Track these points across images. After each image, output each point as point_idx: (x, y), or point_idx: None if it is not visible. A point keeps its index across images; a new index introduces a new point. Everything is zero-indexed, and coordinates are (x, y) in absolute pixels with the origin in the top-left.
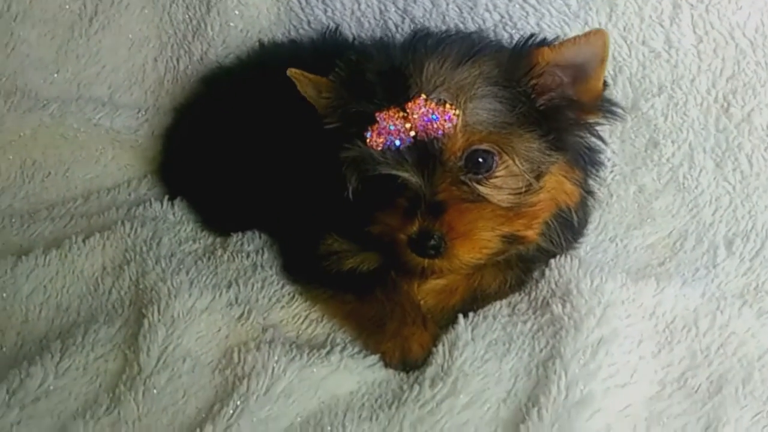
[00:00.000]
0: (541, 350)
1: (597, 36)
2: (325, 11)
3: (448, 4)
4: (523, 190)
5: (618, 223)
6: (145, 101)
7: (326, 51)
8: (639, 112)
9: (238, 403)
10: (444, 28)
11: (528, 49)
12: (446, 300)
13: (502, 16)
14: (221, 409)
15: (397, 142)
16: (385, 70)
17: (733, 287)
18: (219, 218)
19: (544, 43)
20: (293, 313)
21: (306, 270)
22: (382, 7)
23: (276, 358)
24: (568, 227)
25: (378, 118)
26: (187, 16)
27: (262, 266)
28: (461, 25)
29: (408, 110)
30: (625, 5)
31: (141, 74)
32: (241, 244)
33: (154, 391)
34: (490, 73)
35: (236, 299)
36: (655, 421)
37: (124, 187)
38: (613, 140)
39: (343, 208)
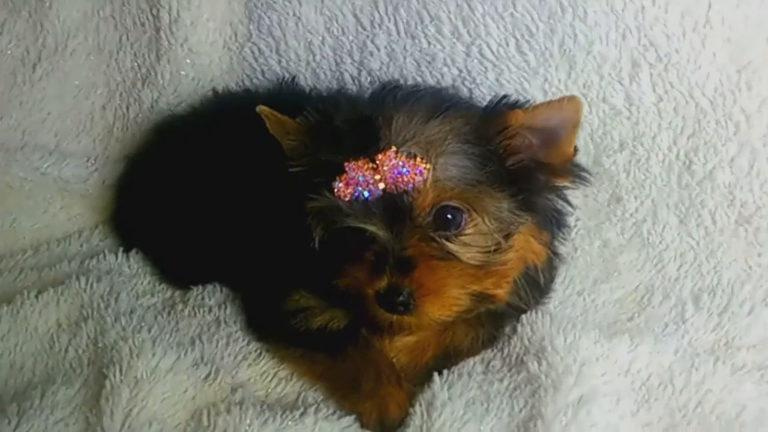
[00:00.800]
0: (520, 410)
1: (570, 102)
2: (279, 62)
3: (405, 58)
4: (492, 248)
5: (584, 277)
6: (93, 149)
7: (282, 101)
8: (601, 168)
9: None
10: (402, 81)
11: (500, 110)
12: (419, 357)
13: (461, 71)
14: None
15: (366, 194)
16: (354, 119)
17: (704, 343)
18: (177, 271)
19: (516, 104)
20: (261, 371)
21: (272, 327)
22: (338, 59)
23: (248, 421)
24: (535, 286)
25: (347, 168)
26: (135, 64)
27: (225, 321)
28: (419, 79)
29: (378, 162)
30: (584, 63)
31: (89, 122)
32: (202, 298)
33: None
34: (460, 130)
35: (202, 358)
36: None
37: (75, 237)
38: (576, 195)
39: (309, 260)
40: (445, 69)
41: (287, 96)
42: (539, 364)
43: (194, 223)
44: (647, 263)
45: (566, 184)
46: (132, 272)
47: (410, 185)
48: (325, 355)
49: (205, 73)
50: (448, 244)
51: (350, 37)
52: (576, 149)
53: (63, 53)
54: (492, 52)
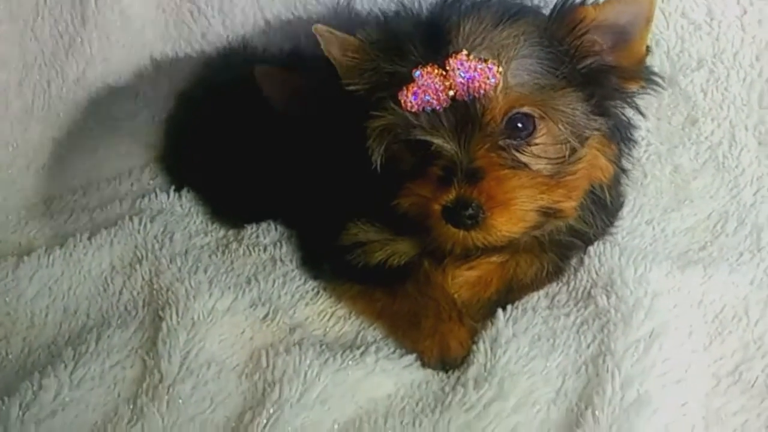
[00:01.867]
0: (588, 345)
1: None
2: (223, 21)
3: None
4: (564, 157)
5: (654, 205)
6: (11, 132)
7: None
8: (677, 88)
9: (271, 411)
10: None
11: (570, 7)
12: (481, 292)
13: None
14: (253, 419)
15: (434, 103)
16: (423, 24)
17: None
18: (231, 209)
19: (584, 3)
20: (319, 310)
21: (329, 264)
22: (290, 15)
23: (308, 361)
24: (601, 207)
25: (415, 76)
26: (56, 32)
27: (281, 260)
28: None
29: (448, 67)
30: None
31: (3, 101)
32: (257, 237)
33: (179, 400)
34: (530, 34)
35: (259, 298)
36: (713, 420)
37: (126, 176)
38: (648, 118)
39: (367, 189)
40: None
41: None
42: (608, 297)
43: (247, 159)
44: (721, 188)
45: (638, 89)
46: (184, 211)
47: (481, 91)
48: (383, 292)
49: (138, 37)
50: (518, 153)
51: None
52: (648, 49)
53: None
54: None
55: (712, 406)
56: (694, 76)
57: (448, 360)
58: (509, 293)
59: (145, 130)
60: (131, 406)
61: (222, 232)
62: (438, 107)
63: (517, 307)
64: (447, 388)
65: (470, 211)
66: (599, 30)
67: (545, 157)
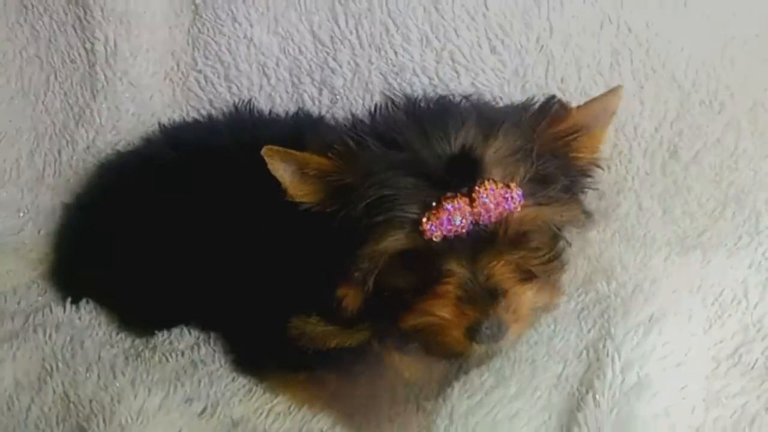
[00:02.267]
0: (588, 330)
1: (615, 92)
2: (230, 89)
3: (370, 72)
4: (554, 253)
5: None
6: (22, 199)
7: (243, 126)
8: None
9: None
10: (368, 98)
11: (559, 111)
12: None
13: (431, 79)
14: None
15: (458, 230)
16: (449, 153)
17: None
18: (139, 318)
19: (562, 103)
20: (254, 408)
21: (273, 356)
22: (296, 80)
23: None
24: None
25: (444, 205)
26: (66, 104)
27: (203, 362)
28: (387, 93)
29: (475, 195)
30: (562, 57)
31: (15, 170)
32: (170, 343)
33: None
34: (525, 144)
35: (193, 394)
36: (713, 402)
37: (11, 295)
38: None
39: (320, 292)
40: (415, 78)
41: (245, 122)
42: (608, 284)
43: (159, 264)
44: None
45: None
46: (84, 324)
47: (503, 215)
48: (335, 377)
49: (147, 106)
50: (527, 264)
51: (309, 56)
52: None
53: None
54: (464, 56)
55: (712, 388)
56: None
57: None
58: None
59: (30, 245)
60: None
61: (128, 342)
62: (461, 233)
63: None
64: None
65: (495, 328)
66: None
67: (539, 260)
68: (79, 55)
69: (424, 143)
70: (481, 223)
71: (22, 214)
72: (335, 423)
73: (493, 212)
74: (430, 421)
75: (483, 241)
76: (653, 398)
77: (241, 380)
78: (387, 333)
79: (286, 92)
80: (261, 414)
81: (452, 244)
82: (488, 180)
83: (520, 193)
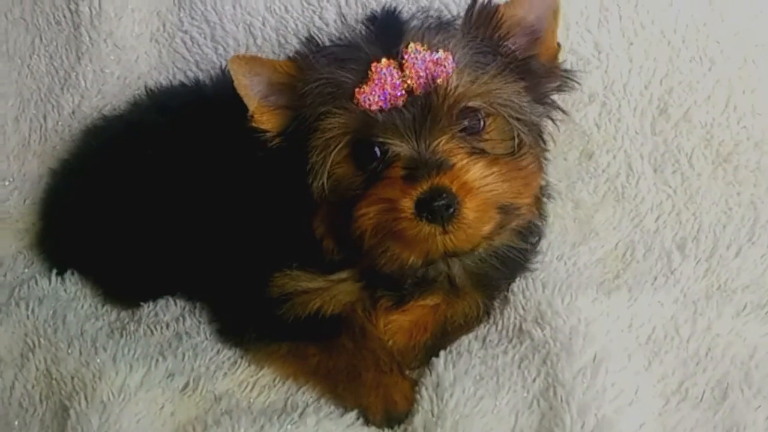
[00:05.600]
0: (533, 380)
1: None
2: (216, 49)
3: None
4: (514, 151)
5: (561, 242)
6: (8, 167)
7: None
8: (571, 124)
9: None
10: None
11: (482, 8)
12: (416, 337)
13: None
14: None
15: (392, 98)
16: (374, 19)
17: (697, 290)
18: (124, 289)
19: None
20: (239, 381)
21: (254, 325)
22: (282, 40)
23: (243, 430)
24: (527, 230)
25: (373, 70)
26: (51, 68)
27: (187, 334)
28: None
29: (404, 60)
30: None
31: (1, 137)
32: (155, 315)
33: None
34: (461, 34)
35: (175, 369)
36: None
37: None
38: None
39: (296, 229)
40: None
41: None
42: (542, 329)
43: (143, 234)
44: (624, 219)
45: (555, 86)
46: (69, 296)
47: (438, 80)
48: (317, 347)
49: (132, 69)
50: (476, 141)
51: (295, 15)
52: (559, 45)
53: None
54: (452, 15)
55: (668, 424)
56: (587, 111)
57: (393, 415)
58: (443, 337)
59: (16, 215)
60: None
61: (114, 315)
62: (396, 103)
63: (451, 351)
64: None
65: (444, 200)
66: (513, 26)
67: (499, 145)
68: (64, 16)
69: (365, 37)
70: (415, 91)
71: (7, 183)
72: (320, 395)
73: (423, 77)
74: (415, 390)
75: (424, 115)
76: None
77: (226, 353)
78: (365, 272)
79: (273, 52)
80: (246, 387)
81: (394, 121)
82: (413, 42)
83: (450, 59)
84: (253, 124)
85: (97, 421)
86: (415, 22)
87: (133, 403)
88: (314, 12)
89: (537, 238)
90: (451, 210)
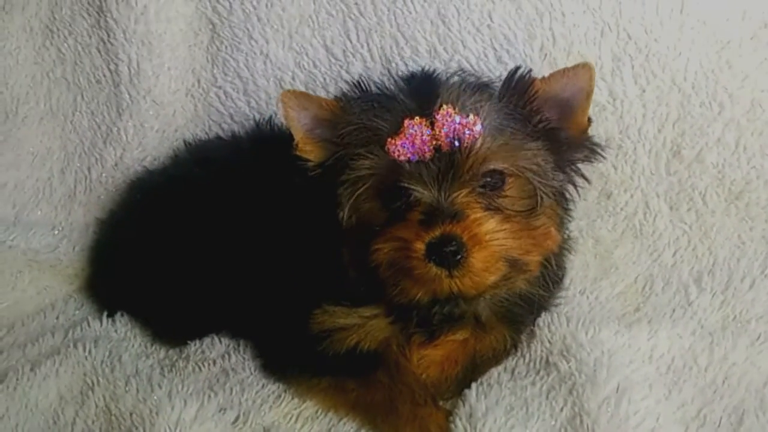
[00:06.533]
0: (561, 409)
1: (584, 69)
2: (248, 103)
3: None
4: (530, 210)
5: (583, 276)
6: (56, 216)
7: (264, 141)
8: (589, 166)
9: None
10: None
11: (522, 79)
12: (449, 369)
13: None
14: None
15: (420, 153)
16: (409, 83)
17: (713, 321)
18: (172, 328)
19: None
20: (283, 413)
21: (296, 361)
22: (311, 93)
23: None
24: (549, 276)
25: (405, 126)
26: (93, 123)
27: (233, 370)
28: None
29: (435, 120)
30: (566, 64)
31: (48, 188)
32: (203, 353)
33: None
34: (495, 99)
35: (226, 404)
36: None
37: (50, 310)
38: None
39: (329, 263)
40: None
41: (266, 138)
42: (568, 362)
43: (188, 275)
44: (642, 254)
45: (583, 158)
46: (120, 336)
47: (464, 143)
48: (355, 382)
49: (170, 123)
50: (494, 198)
51: (323, 69)
52: (590, 120)
53: (14, 120)
54: (471, 66)
55: None
56: (605, 153)
57: None
58: (473, 369)
59: (66, 261)
60: None
61: (163, 353)
62: (423, 157)
63: (482, 383)
64: None
65: (453, 246)
66: (547, 101)
67: (513, 209)
68: (104, 75)
69: (403, 88)
70: (442, 148)
71: (56, 232)
72: (360, 426)
73: (451, 137)
74: (449, 420)
75: (448, 169)
76: None
77: (271, 387)
78: (391, 305)
79: None
80: (291, 419)
81: (420, 171)
82: (446, 104)
83: (479, 124)
84: (298, 153)
85: None
86: (453, 81)
87: None
88: (341, 67)
89: (557, 286)
90: (459, 257)
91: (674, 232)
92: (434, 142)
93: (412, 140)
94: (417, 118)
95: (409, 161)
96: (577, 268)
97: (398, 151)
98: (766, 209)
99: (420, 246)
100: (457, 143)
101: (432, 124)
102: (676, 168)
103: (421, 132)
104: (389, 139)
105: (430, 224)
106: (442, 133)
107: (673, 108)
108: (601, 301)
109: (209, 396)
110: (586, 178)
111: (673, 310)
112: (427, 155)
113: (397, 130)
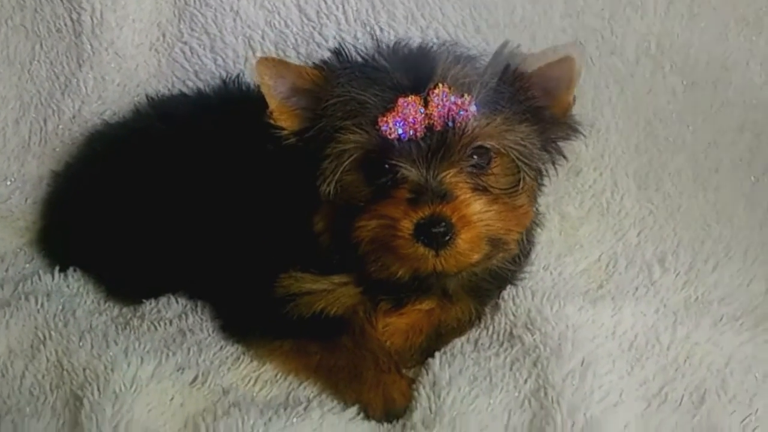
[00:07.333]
0: (525, 381)
1: (567, 62)
2: (215, 60)
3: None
4: (513, 188)
5: (548, 252)
6: (8, 167)
7: (232, 100)
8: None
9: None
10: None
11: (514, 57)
12: (412, 339)
13: None
14: None
15: (412, 131)
16: (404, 58)
17: (676, 301)
18: (127, 286)
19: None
20: (242, 375)
21: (258, 322)
22: (281, 53)
23: (252, 422)
24: (519, 250)
25: (399, 105)
26: (52, 74)
27: (190, 330)
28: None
29: (429, 99)
30: (546, 31)
31: (1, 138)
32: (158, 312)
33: None
34: (488, 77)
35: (184, 363)
36: None
37: None
38: None
39: (300, 233)
40: None
41: (234, 97)
42: (532, 335)
43: (147, 233)
44: (607, 232)
45: (563, 135)
46: (73, 292)
47: (457, 123)
48: (319, 346)
49: (132, 77)
50: (481, 177)
51: (294, 30)
52: (574, 98)
53: None
54: (449, 34)
55: (650, 425)
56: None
57: (392, 411)
58: (437, 339)
59: (17, 213)
60: None
61: (117, 311)
62: (414, 136)
63: (446, 353)
64: None
65: (442, 228)
66: (535, 79)
67: (498, 187)
68: (65, 24)
69: (393, 61)
70: (435, 127)
71: (8, 183)
72: (321, 390)
73: (446, 116)
74: (412, 388)
75: (437, 148)
76: None
77: (230, 349)
78: (364, 276)
79: None
80: (249, 381)
81: (409, 149)
82: (442, 83)
83: (474, 104)
84: (271, 121)
85: (110, 410)
86: (447, 58)
87: (144, 393)
88: (314, 28)
89: (525, 260)
90: (447, 238)
91: (640, 212)
92: (427, 121)
93: (404, 118)
94: (411, 96)
95: (399, 139)
96: (542, 244)
97: (389, 128)
98: (733, 191)
99: (408, 225)
100: (450, 123)
101: (426, 103)
102: (647, 147)
103: (415, 110)
104: (381, 117)
105: (419, 203)
106: (436, 113)
107: (646, 86)
108: (565, 277)
109: (167, 355)
110: (564, 156)
111: (636, 289)
112: (419, 134)
113: (388, 105)
